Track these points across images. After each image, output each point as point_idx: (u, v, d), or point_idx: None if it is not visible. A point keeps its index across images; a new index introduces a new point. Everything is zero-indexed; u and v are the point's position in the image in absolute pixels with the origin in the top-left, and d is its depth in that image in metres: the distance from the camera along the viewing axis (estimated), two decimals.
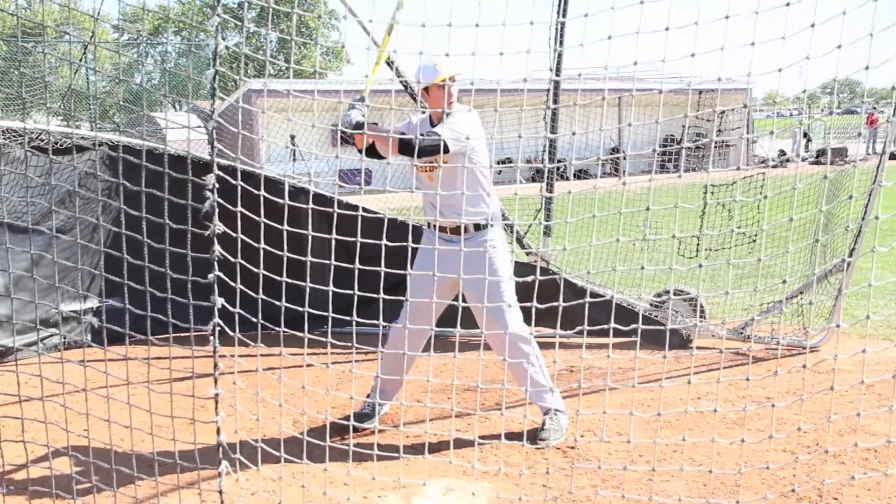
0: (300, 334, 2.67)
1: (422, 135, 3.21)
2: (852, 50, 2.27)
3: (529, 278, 2.82)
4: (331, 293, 2.65)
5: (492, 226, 3.55)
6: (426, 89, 3.47)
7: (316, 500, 2.95)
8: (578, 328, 2.69)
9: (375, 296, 2.60)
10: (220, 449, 2.56)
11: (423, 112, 3.64)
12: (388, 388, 3.80)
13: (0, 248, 3.55)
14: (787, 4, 2.27)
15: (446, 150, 3.24)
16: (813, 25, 2.25)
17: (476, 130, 3.45)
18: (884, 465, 3.22)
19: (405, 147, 3.25)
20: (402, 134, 3.38)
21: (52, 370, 2.98)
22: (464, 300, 3.45)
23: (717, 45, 2.34)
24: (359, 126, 3.25)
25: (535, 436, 3.53)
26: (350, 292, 2.64)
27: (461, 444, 3.36)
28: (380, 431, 3.70)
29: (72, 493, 2.77)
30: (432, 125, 3.51)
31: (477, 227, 3.51)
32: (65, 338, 5.09)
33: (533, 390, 3.59)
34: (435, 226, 3.53)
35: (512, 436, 3.58)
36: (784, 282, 2.80)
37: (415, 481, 3.10)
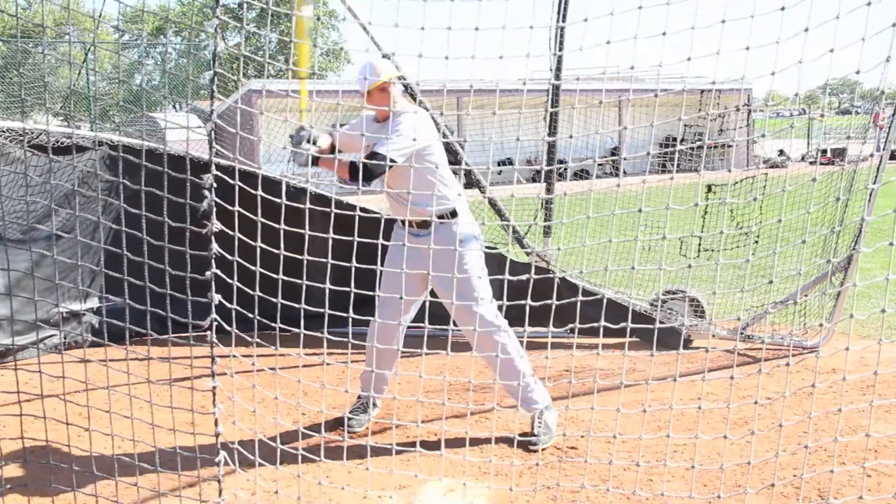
0: (296, 330, 2.67)
1: (367, 157, 3.25)
2: (848, 51, 2.27)
3: (524, 277, 2.81)
4: (327, 291, 2.64)
5: (454, 218, 3.53)
6: (369, 92, 3.48)
7: (316, 500, 2.95)
8: (571, 326, 2.68)
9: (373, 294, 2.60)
10: (218, 439, 2.56)
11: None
12: (375, 381, 3.73)
13: (0, 248, 3.56)
14: (783, 9, 2.28)
15: (393, 164, 3.23)
16: (807, 30, 2.25)
17: (424, 131, 3.43)
18: (884, 465, 3.23)
19: (355, 174, 3.22)
20: (350, 135, 3.39)
21: (53, 369, 2.98)
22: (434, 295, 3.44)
23: (714, 48, 2.35)
24: (314, 161, 3.33)
25: (526, 440, 3.51)
26: (349, 289, 2.64)
27: (462, 443, 3.37)
28: (380, 431, 3.71)
29: (72, 486, 2.77)
30: (376, 121, 3.56)
31: (441, 217, 3.50)
32: (65, 337, 5.09)
33: (513, 389, 3.56)
34: (404, 221, 3.53)
35: (514, 436, 3.60)
36: (770, 282, 2.81)
37: (417, 473, 3.09)
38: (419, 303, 3.69)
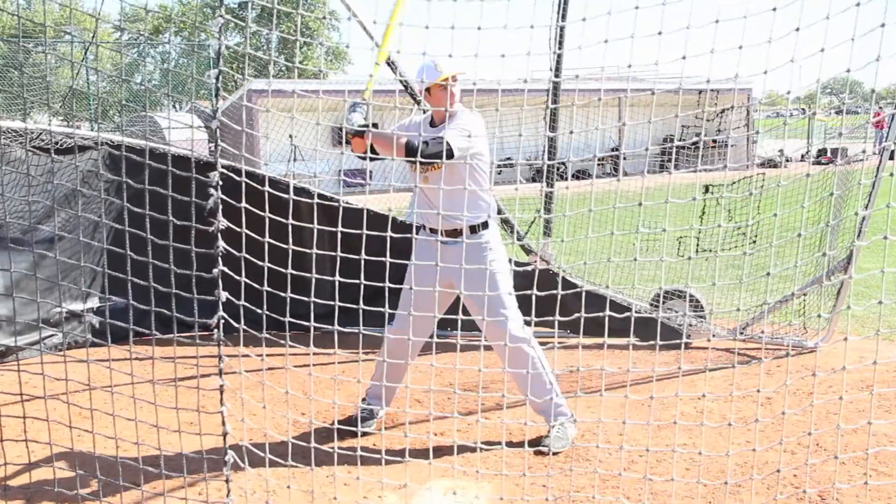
0: (306, 323, 2.67)
1: (426, 142, 3.14)
2: (840, 50, 2.29)
3: (537, 283, 2.78)
4: (337, 288, 2.64)
5: (488, 225, 3.50)
6: (428, 89, 3.42)
7: (318, 500, 2.96)
8: (576, 326, 2.69)
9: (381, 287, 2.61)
10: (225, 438, 2.56)
11: (425, 112, 3.62)
12: (386, 393, 3.71)
13: (2, 248, 3.56)
14: (774, 9, 2.29)
15: (450, 157, 3.15)
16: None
17: (480, 131, 3.40)
18: (883, 464, 3.24)
19: (411, 152, 3.12)
20: (407, 133, 3.27)
21: (55, 369, 2.99)
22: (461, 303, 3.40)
23: (710, 47, 2.36)
24: (361, 130, 3.20)
25: (537, 441, 3.47)
26: (356, 281, 2.63)
27: (463, 445, 3.37)
28: (380, 432, 3.71)
29: (74, 489, 2.78)
30: (433, 125, 3.48)
31: (473, 228, 3.44)
32: (66, 337, 5.09)
33: (538, 400, 3.47)
34: (430, 229, 3.48)
35: (513, 437, 3.60)
36: (768, 274, 2.81)
37: (421, 464, 3.10)
38: (439, 317, 3.56)
